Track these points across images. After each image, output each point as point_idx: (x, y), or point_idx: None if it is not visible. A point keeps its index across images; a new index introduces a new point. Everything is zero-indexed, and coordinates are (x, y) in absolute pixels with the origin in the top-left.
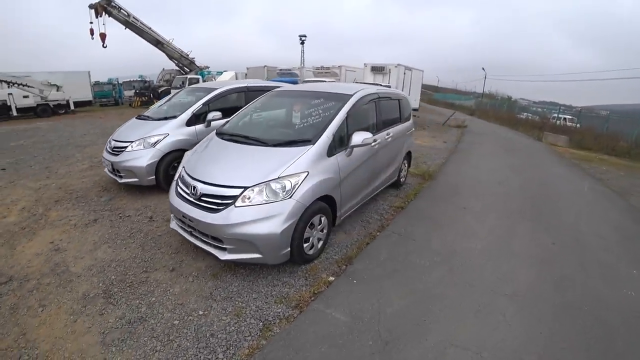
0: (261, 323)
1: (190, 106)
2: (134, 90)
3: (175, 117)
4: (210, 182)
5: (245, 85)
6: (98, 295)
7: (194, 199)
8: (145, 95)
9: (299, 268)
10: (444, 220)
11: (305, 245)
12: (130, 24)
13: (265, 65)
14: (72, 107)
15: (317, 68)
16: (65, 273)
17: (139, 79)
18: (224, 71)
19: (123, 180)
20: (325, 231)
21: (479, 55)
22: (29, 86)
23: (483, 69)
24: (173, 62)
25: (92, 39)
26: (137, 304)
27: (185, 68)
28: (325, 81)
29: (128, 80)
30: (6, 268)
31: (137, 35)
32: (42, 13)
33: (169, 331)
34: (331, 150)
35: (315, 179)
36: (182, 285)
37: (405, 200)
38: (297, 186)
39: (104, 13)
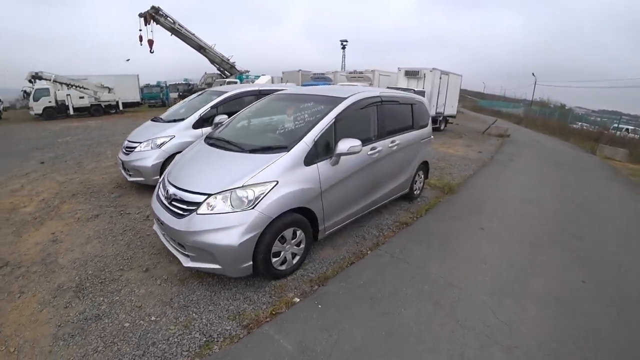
0: (205, 339)
1: (200, 109)
2: (177, 93)
3: (183, 119)
4: (180, 186)
5: (257, 88)
6: (70, 288)
7: (167, 203)
8: None
9: (268, 283)
10: (452, 242)
11: (275, 259)
12: (176, 30)
13: (299, 70)
14: (120, 107)
15: (350, 72)
16: (53, 264)
17: (184, 82)
18: (262, 75)
19: (131, 179)
20: (302, 246)
21: (530, 60)
22: (84, 88)
23: (533, 74)
24: (214, 66)
25: (141, 45)
26: (100, 302)
27: (226, 72)
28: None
29: (174, 83)
30: (7, 254)
31: (182, 41)
32: (106, 21)
33: (116, 333)
34: (310, 158)
35: (286, 189)
36: (149, 288)
37: (415, 215)
38: (262, 196)
39: (152, 21)
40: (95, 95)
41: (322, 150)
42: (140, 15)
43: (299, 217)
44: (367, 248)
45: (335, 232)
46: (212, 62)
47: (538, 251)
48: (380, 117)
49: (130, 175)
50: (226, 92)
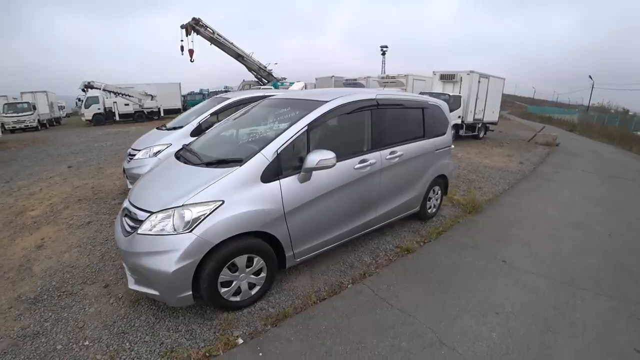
0: None
1: (199, 116)
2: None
3: (181, 127)
4: (132, 201)
5: (261, 94)
6: (28, 299)
7: (121, 217)
8: None
9: (220, 315)
10: (458, 280)
11: (225, 290)
12: (215, 40)
13: (332, 76)
14: (162, 114)
15: (382, 77)
16: (26, 271)
17: (224, 89)
18: (296, 82)
19: (130, 186)
20: (263, 275)
21: (585, 62)
22: (130, 96)
23: (590, 76)
24: (252, 73)
25: (182, 54)
26: (47, 317)
27: (263, 79)
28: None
29: (215, 90)
30: None
31: (221, 50)
32: (157, 31)
33: (45, 355)
34: (271, 174)
35: (234, 209)
36: (100, 306)
37: (423, 240)
38: (203, 218)
39: (192, 31)
40: (139, 102)
41: (290, 164)
42: (182, 26)
43: (256, 243)
44: (349, 280)
45: (325, 255)
46: (250, 69)
47: (577, 299)
48: (376, 124)
49: (130, 182)
50: (228, 98)
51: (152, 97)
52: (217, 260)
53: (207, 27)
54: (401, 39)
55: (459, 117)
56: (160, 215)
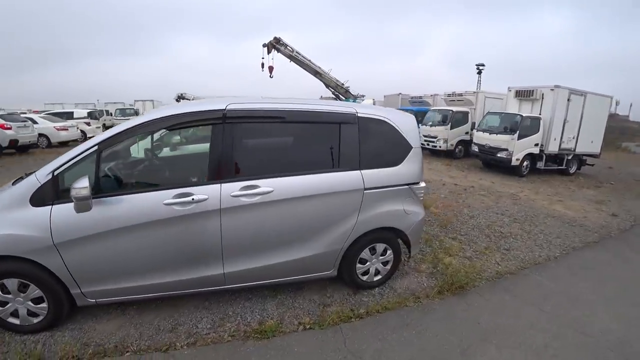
0: None
1: None
2: None
3: None
4: None
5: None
6: None
7: None
8: None
9: None
10: None
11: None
12: (294, 57)
13: (399, 93)
14: None
15: (449, 95)
16: None
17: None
18: (365, 97)
19: None
20: (44, 305)
21: None
22: None
23: None
24: (329, 90)
25: (262, 71)
26: None
27: (341, 96)
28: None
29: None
30: None
31: (299, 67)
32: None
33: None
34: (44, 197)
35: None
36: None
37: (318, 320)
38: None
39: (273, 49)
40: None
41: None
42: (264, 45)
43: (27, 268)
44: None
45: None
46: (327, 86)
47: None
48: (219, 146)
49: None
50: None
51: None
52: None
53: (287, 45)
54: (510, 58)
55: (536, 144)
56: None
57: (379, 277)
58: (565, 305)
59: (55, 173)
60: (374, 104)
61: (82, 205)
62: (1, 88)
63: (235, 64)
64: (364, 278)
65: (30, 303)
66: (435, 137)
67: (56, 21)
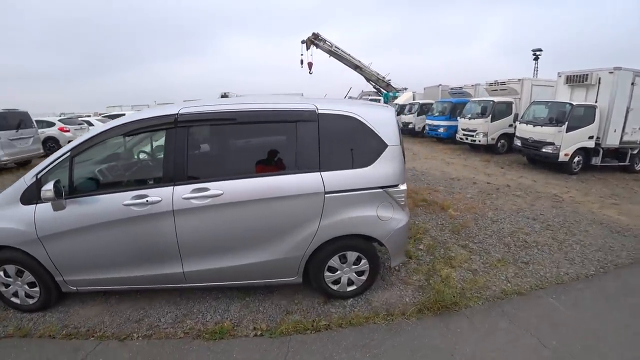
0: None
1: None
2: None
3: None
4: None
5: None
6: None
7: None
8: None
9: None
10: None
11: None
12: (333, 52)
13: (439, 85)
14: None
15: (490, 84)
16: None
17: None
18: (405, 90)
19: None
20: (36, 289)
21: None
22: None
23: None
24: (370, 84)
25: (302, 67)
26: None
27: (382, 89)
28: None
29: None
30: None
31: (339, 62)
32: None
33: None
34: (30, 197)
35: None
36: None
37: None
38: None
39: (312, 45)
40: None
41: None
42: (303, 41)
43: (21, 257)
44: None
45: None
46: (368, 80)
47: None
48: (172, 150)
49: None
50: None
51: None
52: None
53: (326, 40)
54: (574, 40)
55: (591, 137)
56: None
57: (352, 287)
58: (578, 341)
59: (39, 176)
60: (413, 98)
61: (56, 204)
62: (77, 92)
63: (282, 59)
64: (335, 287)
65: (26, 286)
66: (474, 131)
67: (137, 31)
